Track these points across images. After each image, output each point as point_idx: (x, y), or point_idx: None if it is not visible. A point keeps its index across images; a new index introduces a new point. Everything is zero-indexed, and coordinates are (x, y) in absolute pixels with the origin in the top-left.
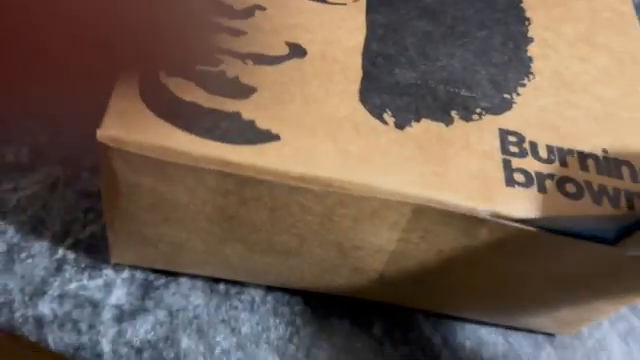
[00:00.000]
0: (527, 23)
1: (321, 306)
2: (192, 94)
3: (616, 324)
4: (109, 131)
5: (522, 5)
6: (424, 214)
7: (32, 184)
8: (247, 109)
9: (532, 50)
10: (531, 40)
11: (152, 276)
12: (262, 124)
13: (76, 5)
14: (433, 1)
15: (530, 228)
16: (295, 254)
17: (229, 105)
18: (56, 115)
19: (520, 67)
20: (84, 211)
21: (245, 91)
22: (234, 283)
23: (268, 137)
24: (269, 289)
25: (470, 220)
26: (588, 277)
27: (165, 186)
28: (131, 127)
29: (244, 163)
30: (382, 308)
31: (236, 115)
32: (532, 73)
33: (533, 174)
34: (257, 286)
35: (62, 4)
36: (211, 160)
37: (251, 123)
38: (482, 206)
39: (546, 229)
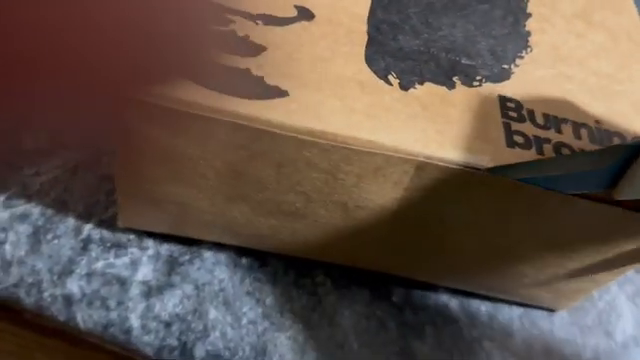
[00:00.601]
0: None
1: (341, 276)
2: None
3: (624, 286)
4: None
5: None
6: (426, 171)
7: (53, 168)
8: (257, 66)
9: (530, 25)
10: (529, 15)
11: (177, 252)
12: (271, 80)
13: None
14: None
15: (530, 185)
16: (300, 216)
17: (240, 62)
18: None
19: (519, 40)
20: (106, 193)
21: (255, 49)
22: (256, 257)
23: (277, 93)
24: (290, 262)
25: (471, 178)
26: (583, 238)
27: (176, 138)
28: None
29: (254, 116)
30: (400, 276)
31: (246, 71)
32: (530, 46)
33: (532, 137)
34: (278, 259)
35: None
36: (222, 112)
37: (260, 79)
38: (483, 163)
39: (545, 187)
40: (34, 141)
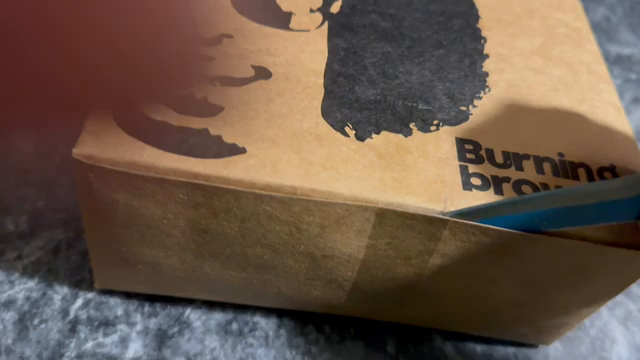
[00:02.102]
0: (483, 41)
1: (334, 331)
2: (163, 114)
3: (614, 311)
4: (84, 149)
5: (478, 25)
6: (387, 218)
7: (35, 250)
8: (214, 126)
9: (488, 65)
10: (487, 56)
11: (165, 325)
12: (229, 139)
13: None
14: (391, 25)
15: (489, 226)
16: (270, 267)
17: (197, 123)
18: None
19: (476, 81)
20: (89, 270)
21: (213, 110)
22: (245, 322)
23: (234, 150)
24: (281, 323)
25: (431, 222)
26: (555, 274)
27: (138, 201)
28: (104, 145)
29: (211, 175)
30: (393, 325)
31: (204, 131)
32: (488, 86)
33: (489, 177)
34: (268, 320)
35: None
36: (180, 173)
37: (218, 138)
38: (440, 208)
39: (505, 226)
40: (15, 225)
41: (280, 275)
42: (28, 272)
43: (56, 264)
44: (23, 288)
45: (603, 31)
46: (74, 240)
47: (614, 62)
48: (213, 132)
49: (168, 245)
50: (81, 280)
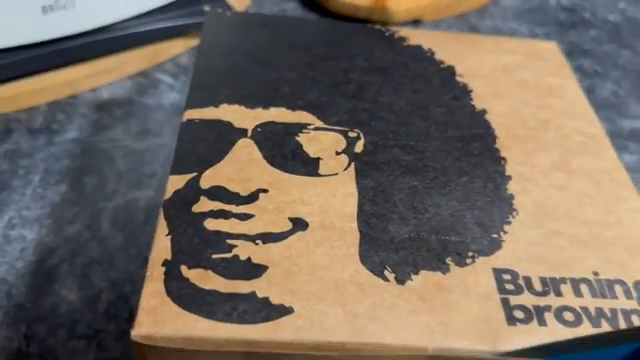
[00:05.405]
0: (503, 162)
1: None
2: (212, 282)
3: None
4: (142, 329)
5: (496, 146)
6: None
7: None
8: (261, 287)
9: (512, 187)
10: (509, 178)
11: None
12: (276, 300)
13: None
14: (414, 158)
15: None
16: None
17: (245, 286)
18: None
19: (503, 206)
20: None
21: (258, 270)
22: None
23: (282, 311)
24: None
25: None
26: None
27: None
28: (160, 323)
29: (264, 340)
30: None
31: (252, 295)
32: (515, 210)
33: (531, 309)
34: None
35: None
36: (234, 342)
37: (266, 300)
38: (489, 348)
39: None
40: None
41: None
42: None
43: None
44: None
45: (613, 106)
46: None
47: (629, 137)
48: (260, 294)
49: None
50: None
